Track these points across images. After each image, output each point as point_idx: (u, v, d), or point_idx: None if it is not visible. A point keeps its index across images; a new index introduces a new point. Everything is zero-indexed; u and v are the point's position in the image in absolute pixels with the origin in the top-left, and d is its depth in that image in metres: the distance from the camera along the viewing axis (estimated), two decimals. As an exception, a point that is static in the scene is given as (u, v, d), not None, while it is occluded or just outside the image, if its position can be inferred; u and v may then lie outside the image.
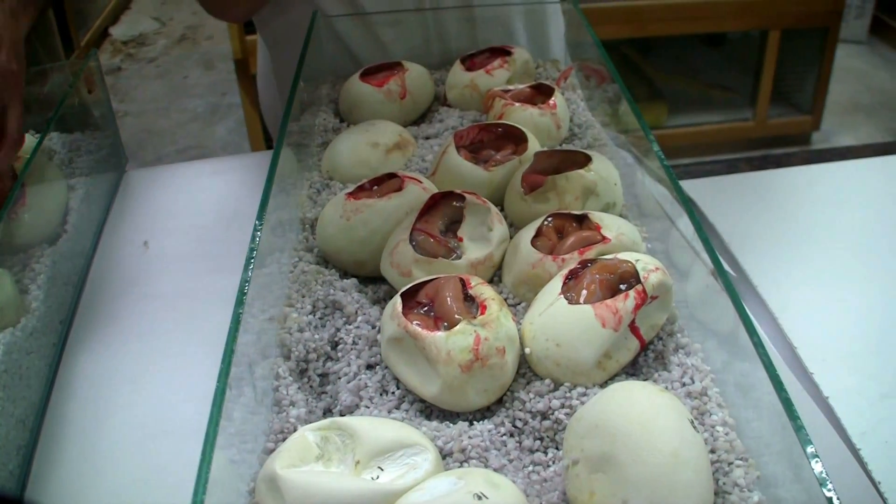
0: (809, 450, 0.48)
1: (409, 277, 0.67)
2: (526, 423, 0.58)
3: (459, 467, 0.55)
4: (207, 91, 3.49)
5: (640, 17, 2.55)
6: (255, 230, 0.66)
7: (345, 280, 0.72)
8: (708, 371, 0.61)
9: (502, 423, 0.59)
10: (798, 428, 0.49)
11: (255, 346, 0.61)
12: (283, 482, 0.49)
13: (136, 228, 1.03)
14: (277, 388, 0.62)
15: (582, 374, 0.59)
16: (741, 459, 0.54)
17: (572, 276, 0.63)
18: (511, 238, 0.72)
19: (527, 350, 0.61)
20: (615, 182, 0.77)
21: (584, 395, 0.59)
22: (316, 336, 0.65)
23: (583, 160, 0.76)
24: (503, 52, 1.01)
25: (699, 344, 0.63)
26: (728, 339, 0.60)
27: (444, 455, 0.56)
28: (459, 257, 0.69)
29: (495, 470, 0.55)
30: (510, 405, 0.60)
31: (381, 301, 0.71)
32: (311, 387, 0.63)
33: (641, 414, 0.51)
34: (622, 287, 0.61)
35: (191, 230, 1.02)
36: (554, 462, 0.56)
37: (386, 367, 0.63)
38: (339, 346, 0.65)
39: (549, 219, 0.71)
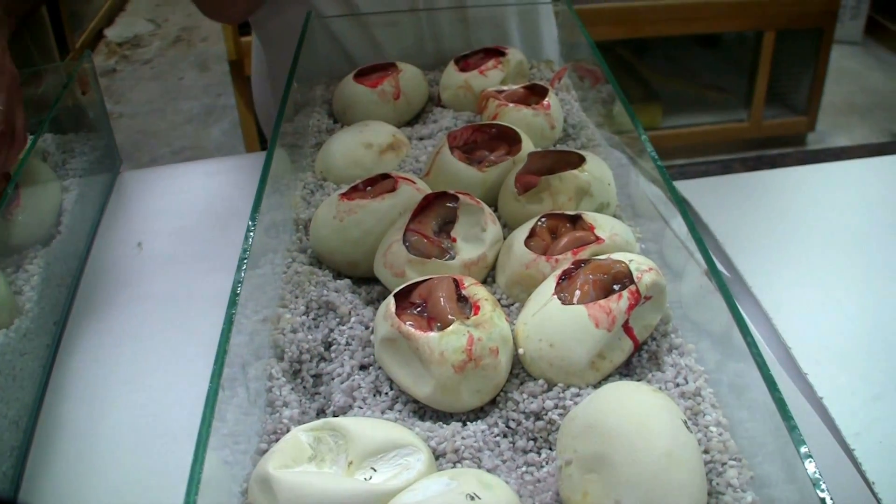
0: (803, 450, 0.48)
1: (402, 278, 0.67)
2: (519, 423, 0.58)
3: (452, 468, 0.55)
4: (202, 93, 3.49)
5: (635, 18, 2.55)
6: (249, 231, 0.66)
7: (338, 281, 0.72)
8: (702, 371, 0.61)
9: (496, 424, 0.59)
10: (791, 428, 0.49)
11: (249, 346, 0.61)
12: (276, 483, 0.49)
13: (129, 229, 1.03)
14: (271, 389, 0.62)
15: (575, 375, 0.59)
16: (735, 460, 0.54)
17: (566, 277, 0.63)
18: (504, 238, 0.72)
19: (520, 350, 0.61)
20: (609, 182, 0.77)
21: (578, 395, 0.59)
22: (309, 337, 0.65)
23: (576, 161, 0.76)
24: (497, 52, 1.01)
25: (693, 344, 0.63)
26: (722, 340, 0.60)
27: (438, 455, 0.56)
28: (453, 258, 0.69)
29: (489, 470, 0.55)
30: (503, 406, 0.60)
31: (375, 302, 0.71)
32: (304, 387, 0.63)
33: (635, 414, 0.51)
34: (616, 287, 0.61)
35: (184, 231, 1.02)
36: (547, 462, 0.56)
37: (379, 368, 0.63)
38: (333, 347, 0.65)
39: (543, 219, 0.71)
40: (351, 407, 0.60)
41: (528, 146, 0.82)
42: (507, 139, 0.83)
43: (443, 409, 0.60)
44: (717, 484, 0.52)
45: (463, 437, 0.57)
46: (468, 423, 0.59)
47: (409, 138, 0.92)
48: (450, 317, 0.60)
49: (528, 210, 0.74)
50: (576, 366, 0.59)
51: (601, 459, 0.49)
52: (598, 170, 0.76)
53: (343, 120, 0.97)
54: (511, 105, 0.88)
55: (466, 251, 0.70)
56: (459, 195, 0.72)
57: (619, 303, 0.59)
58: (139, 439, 0.75)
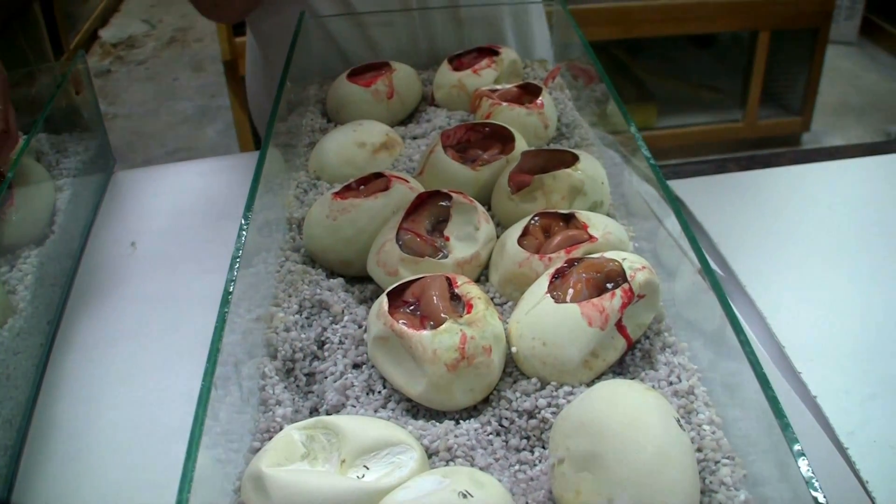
0: (796, 448, 0.48)
1: (395, 277, 0.67)
2: (512, 421, 0.58)
3: (445, 466, 0.55)
4: (197, 93, 3.49)
5: (630, 18, 2.55)
6: (241, 230, 0.66)
7: (331, 279, 0.72)
8: (695, 370, 0.61)
9: (488, 422, 0.59)
10: (784, 426, 0.49)
11: (242, 345, 0.61)
12: (269, 481, 0.49)
13: (123, 229, 1.03)
14: (264, 388, 0.62)
15: (568, 373, 0.59)
16: (728, 458, 0.54)
17: (559, 275, 0.63)
18: (498, 237, 0.72)
19: (513, 349, 0.61)
20: (602, 181, 0.77)
21: (571, 393, 0.59)
22: (302, 335, 0.65)
23: (570, 159, 0.76)
24: (490, 51, 1.01)
25: (686, 343, 0.63)
26: (715, 338, 0.60)
27: (430, 454, 0.56)
28: (446, 256, 0.69)
29: (481, 469, 0.55)
30: (496, 404, 0.60)
31: (368, 300, 0.71)
32: (297, 386, 0.63)
33: (628, 413, 0.51)
34: (609, 286, 0.61)
35: (178, 231, 1.02)
36: (540, 461, 0.56)
37: (372, 367, 0.63)
38: (326, 346, 0.65)
39: (536, 218, 0.71)
40: (344, 405, 0.60)
41: (521, 145, 0.82)
42: (501, 138, 0.83)
43: (436, 408, 0.60)
44: (710, 482, 0.52)
45: (456, 436, 0.57)
46: (461, 421, 0.59)
47: (403, 137, 0.92)
48: (443, 315, 0.60)
49: (522, 209, 0.74)
50: (569, 364, 0.59)
51: (594, 458, 0.49)
52: (591, 168, 0.76)
53: (336, 119, 0.97)
54: (504, 104, 0.89)
55: (459, 250, 0.70)
56: (453, 194, 0.72)
57: (612, 301, 0.59)
58: (132, 438, 0.75)
